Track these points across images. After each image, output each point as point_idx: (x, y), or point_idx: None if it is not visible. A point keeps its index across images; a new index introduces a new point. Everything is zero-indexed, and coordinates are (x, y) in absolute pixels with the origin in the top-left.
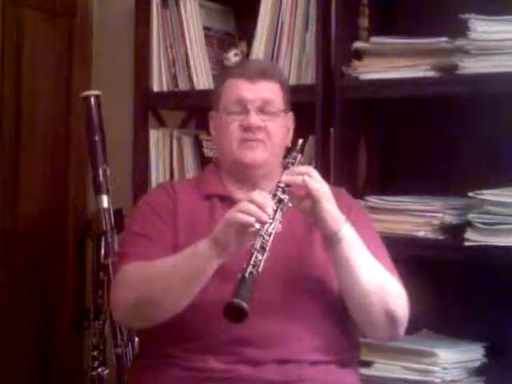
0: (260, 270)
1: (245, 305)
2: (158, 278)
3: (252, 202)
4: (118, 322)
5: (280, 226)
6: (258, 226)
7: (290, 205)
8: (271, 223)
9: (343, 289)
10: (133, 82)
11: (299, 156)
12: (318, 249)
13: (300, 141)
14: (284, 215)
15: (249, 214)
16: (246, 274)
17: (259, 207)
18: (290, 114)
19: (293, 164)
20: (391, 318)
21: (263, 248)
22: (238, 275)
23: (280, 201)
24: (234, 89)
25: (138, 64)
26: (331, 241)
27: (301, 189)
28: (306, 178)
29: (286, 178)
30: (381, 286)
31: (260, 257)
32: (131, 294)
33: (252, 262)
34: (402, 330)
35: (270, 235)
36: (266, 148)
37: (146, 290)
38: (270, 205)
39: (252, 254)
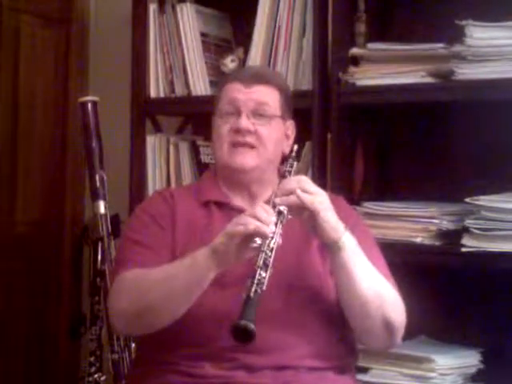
0: (264, 287)
1: (252, 327)
2: (157, 286)
3: (256, 217)
4: (115, 329)
5: (280, 239)
6: (259, 241)
7: (289, 217)
8: (273, 237)
9: (341, 296)
10: (130, 87)
11: (295, 163)
12: (315, 257)
13: (295, 147)
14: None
15: (252, 229)
16: (251, 294)
17: (262, 223)
18: (290, 122)
19: (289, 173)
20: (388, 326)
21: (266, 265)
22: (243, 294)
23: (280, 213)
24: (229, 91)
25: (135, 70)
26: (331, 249)
27: None
28: (298, 193)
29: (280, 200)
30: (379, 294)
31: (263, 274)
32: (129, 303)
33: (256, 281)
34: (398, 338)
35: (271, 250)
36: (257, 153)
37: (144, 299)
38: (273, 220)
39: (255, 271)
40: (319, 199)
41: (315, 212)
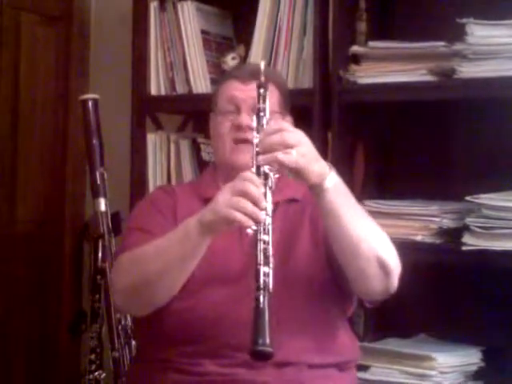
0: (271, 286)
1: (269, 349)
2: (152, 260)
3: (246, 195)
4: (118, 308)
5: (272, 206)
6: (254, 227)
7: (276, 176)
8: (266, 215)
9: (334, 241)
10: (130, 85)
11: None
12: (307, 246)
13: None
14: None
15: (245, 213)
16: (261, 304)
17: (254, 202)
18: (288, 119)
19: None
20: (383, 265)
21: (267, 256)
22: (253, 304)
23: (266, 177)
24: (228, 89)
25: (136, 67)
26: (315, 191)
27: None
28: (280, 158)
29: (263, 159)
30: (370, 232)
31: (267, 269)
32: (127, 278)
33: (262, 283)
34: (395, 280)
35: (268, 232)
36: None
37: (141, 273)
38: (263, 192)
39: (258, 270)
40: (302, 152)
41: (300, 169)
